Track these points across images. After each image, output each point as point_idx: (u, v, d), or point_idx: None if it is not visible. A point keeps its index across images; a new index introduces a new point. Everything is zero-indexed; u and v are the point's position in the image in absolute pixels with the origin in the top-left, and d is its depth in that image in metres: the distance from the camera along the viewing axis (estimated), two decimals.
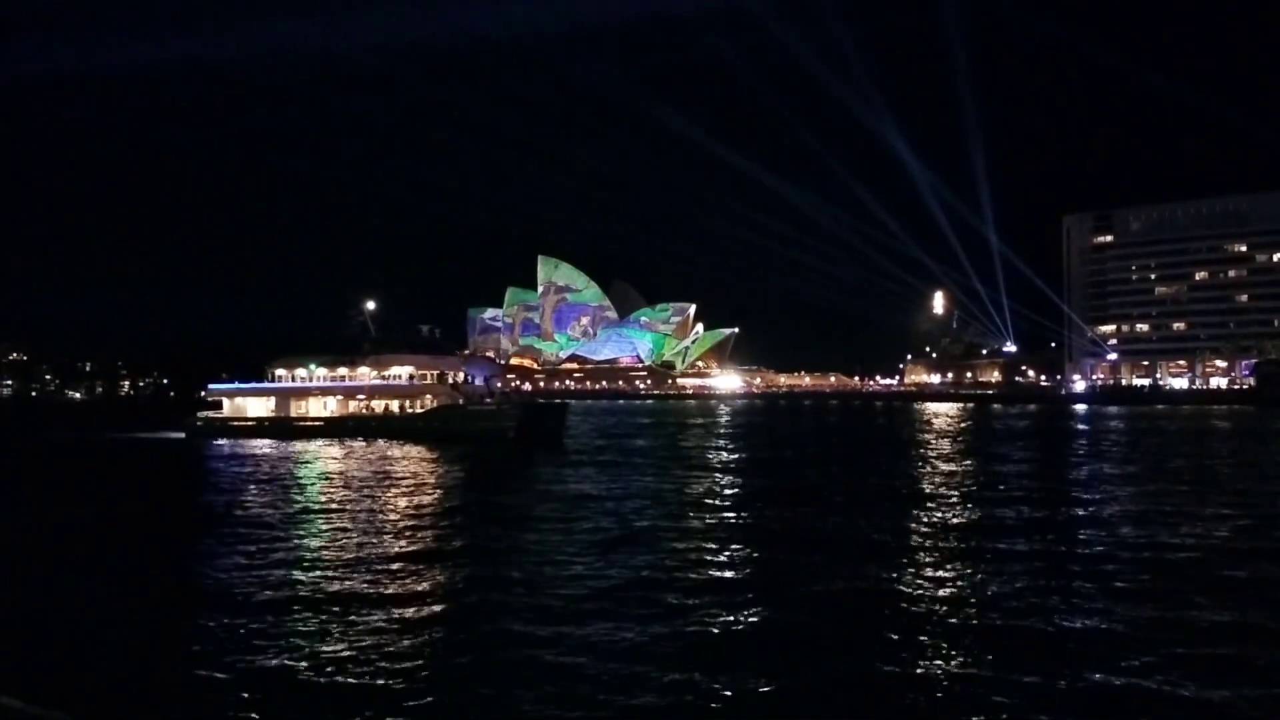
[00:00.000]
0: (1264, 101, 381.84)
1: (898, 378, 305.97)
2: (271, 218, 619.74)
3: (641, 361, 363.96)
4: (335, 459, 58.51)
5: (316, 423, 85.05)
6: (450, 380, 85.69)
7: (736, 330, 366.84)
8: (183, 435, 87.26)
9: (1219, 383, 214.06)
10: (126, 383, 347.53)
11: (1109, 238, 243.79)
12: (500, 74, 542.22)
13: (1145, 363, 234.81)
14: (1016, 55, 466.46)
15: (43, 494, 42.47)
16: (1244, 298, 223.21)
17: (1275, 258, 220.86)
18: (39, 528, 31.25)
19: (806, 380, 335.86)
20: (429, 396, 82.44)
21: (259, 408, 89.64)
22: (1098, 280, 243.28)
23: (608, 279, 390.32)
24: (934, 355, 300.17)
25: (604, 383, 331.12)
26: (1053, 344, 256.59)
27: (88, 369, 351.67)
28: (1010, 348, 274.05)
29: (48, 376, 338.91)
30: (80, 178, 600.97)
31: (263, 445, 72.52)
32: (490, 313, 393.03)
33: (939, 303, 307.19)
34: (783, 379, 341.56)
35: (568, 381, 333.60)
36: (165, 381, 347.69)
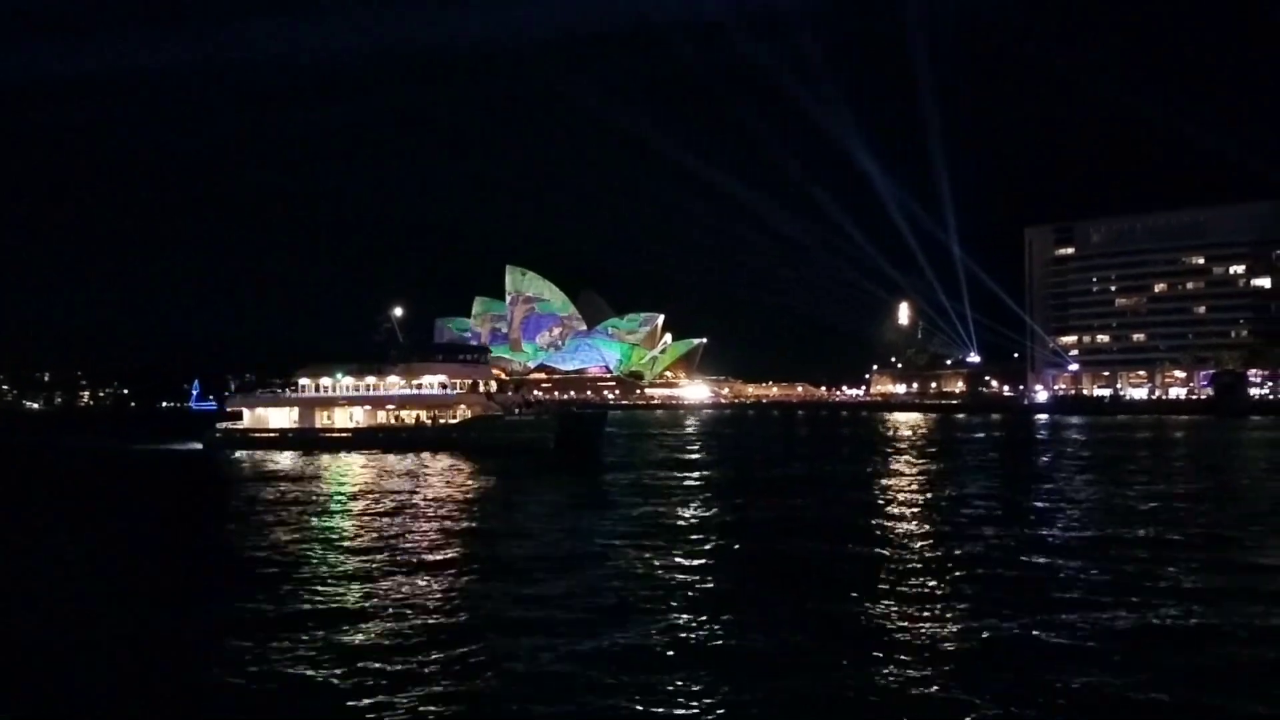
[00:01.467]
0: (1221, 116, 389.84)
1: (864, 387, 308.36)
2: (235, 226, 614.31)
3: (610, 372, 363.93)
4: (368, 473, 56.07)
5: (343, 434, 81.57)
6: (482, 389, 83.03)
7: (705, 341, 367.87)
8: (200, 447, 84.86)
9: (1178, 393, 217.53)
10: (86, 393, 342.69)
11: (1070, 250, 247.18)
12: (469, 82, 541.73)
13: (1106, 373, 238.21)
14: (980, 70, 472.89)
15: (57, 514, 40.43)
16: (1202, 309, 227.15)
17: (1232, 270, 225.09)
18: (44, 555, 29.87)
19: (774, 390, 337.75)
20: (463, 406, 79.51)
21: (281, 418, 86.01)
22: (1059, 292, 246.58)
23: (576, 289, 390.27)
24: (899, 365, 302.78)
25: (572, 393, 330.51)
26: (1015, 354, 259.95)
27: (46, 379, 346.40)
28: (974, 358, 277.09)
29: (4, 386, 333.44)
30: (33, 186, 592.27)
31: (286, 458, 69.80)
32: (458, 322, 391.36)
33: (904, 313, 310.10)
34: (750, 389, 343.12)
35: (536, 391, 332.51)
36: (125, 392, 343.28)
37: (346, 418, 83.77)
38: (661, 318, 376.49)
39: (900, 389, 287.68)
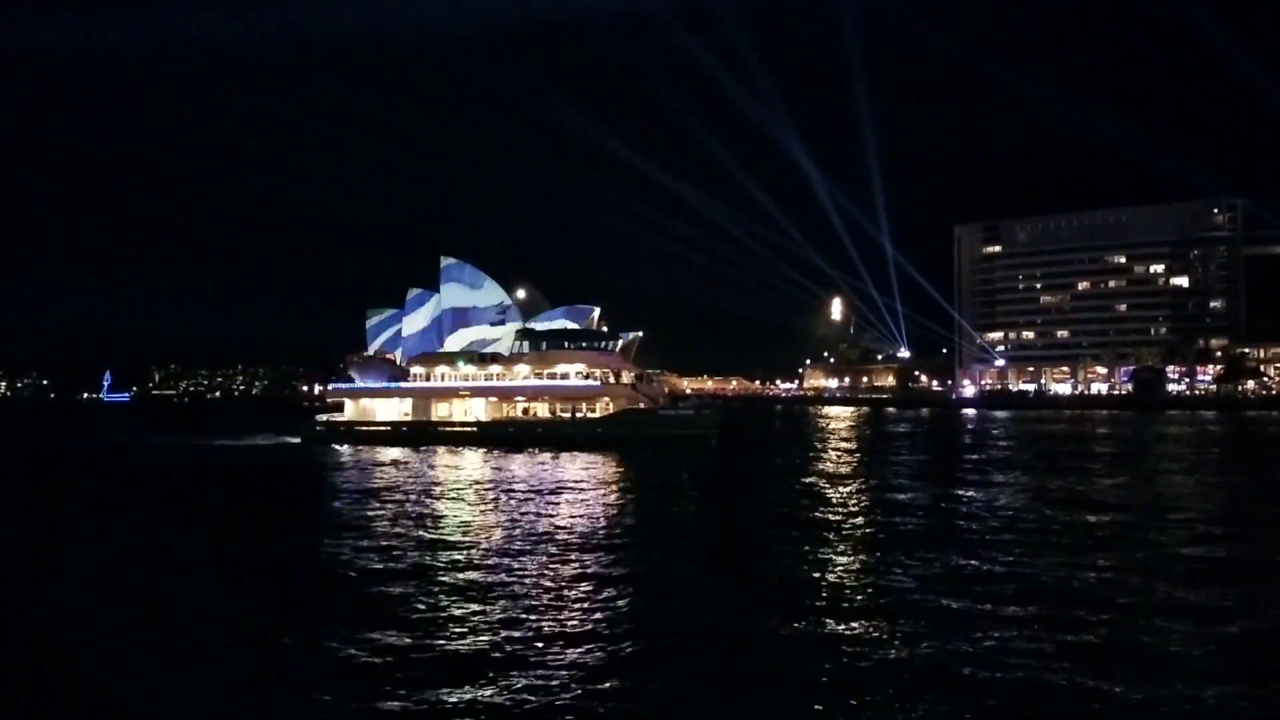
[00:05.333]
0: (1143, 119, 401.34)
1: (797, 382, 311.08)
2: (158, 215, 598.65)
3: None
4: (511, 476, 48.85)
5: (466, 429, 75.22)
6: (627, 380, 75.93)
7: (640, 334, 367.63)
8: (298, 440, 79.44)
9: (1099, 388, 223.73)
10: (4, 383, 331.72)
11: (997, 248, 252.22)
12: (404, 72, 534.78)
13: (1031, 369, 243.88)
14: (913, 70, 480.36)
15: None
16: (1123, 307, 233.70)
17: (1152, 269, 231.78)
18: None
19: (709, 384, 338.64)
20: (607, 398, 73.77)
21: (391, 410, 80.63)
22: (986, 289, 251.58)
23: (512, 281, 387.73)
24: (831, 360, 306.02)
25: None
26: (944, 350, 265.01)
27: None
28: (904, 353, 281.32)
29: None
30: None
31: (396, 455, 63.15)
32: (391, 314, 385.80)
33: (837, 308, 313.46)
34: (686, 383, 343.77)
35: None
36: (45, 382, 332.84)
37: (464, 410, 78.11)
38: (598, 310, 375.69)
39: (832, 383, 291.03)
